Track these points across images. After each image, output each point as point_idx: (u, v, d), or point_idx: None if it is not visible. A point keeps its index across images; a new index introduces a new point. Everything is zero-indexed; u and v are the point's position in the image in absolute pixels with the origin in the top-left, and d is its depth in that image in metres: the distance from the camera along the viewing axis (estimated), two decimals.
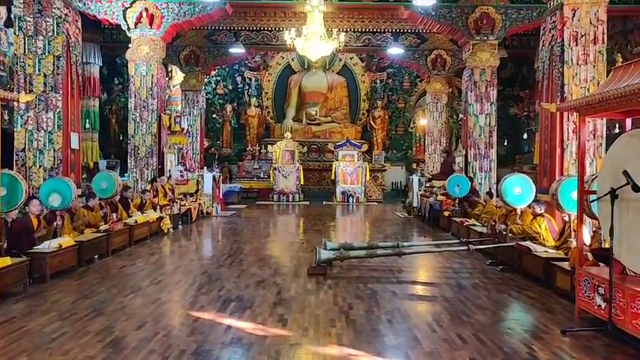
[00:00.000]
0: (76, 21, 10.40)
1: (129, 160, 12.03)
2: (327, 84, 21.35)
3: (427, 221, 12.17)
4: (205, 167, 14.98)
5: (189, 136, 15.35)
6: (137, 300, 5.41)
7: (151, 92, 11.88)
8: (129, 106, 12.13)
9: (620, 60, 4.70)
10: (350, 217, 14.71)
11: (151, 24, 11.57)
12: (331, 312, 5.07)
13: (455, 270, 7.07)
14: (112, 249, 7.87)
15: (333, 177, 17.64)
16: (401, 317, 4.96)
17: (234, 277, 6.47)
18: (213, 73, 19.90)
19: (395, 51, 15.79)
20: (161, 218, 10.07)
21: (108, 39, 15.96)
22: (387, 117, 21.21)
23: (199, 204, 12.64)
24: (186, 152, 15.18)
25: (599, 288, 4.47)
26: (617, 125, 11.28)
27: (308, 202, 17.11)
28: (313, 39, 11.83)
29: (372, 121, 21.10)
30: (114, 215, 8.42)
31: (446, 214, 10.95)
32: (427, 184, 13.64)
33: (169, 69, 17.83)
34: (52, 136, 9.54)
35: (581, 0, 8.02)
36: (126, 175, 12.27)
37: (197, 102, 16.77)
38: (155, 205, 10.47)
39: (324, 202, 17.17)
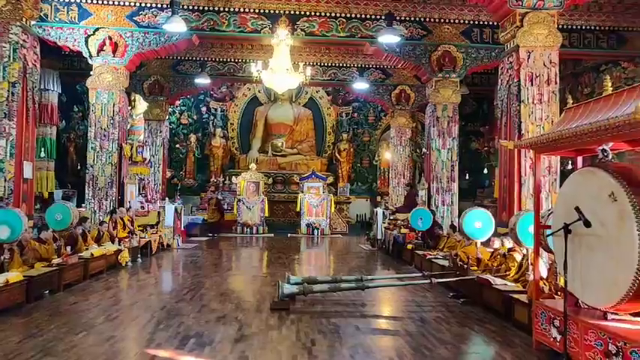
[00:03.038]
0: (35, 47, 10.21)
1: (87, 191, 11.68)
2: (294, 116, 21.53)
3: (391, 254, 12.21)
4: (167, 198, 14.70)
5: (151, 167, 15.07)
6: (89, 338, 5.16)
7: (112, 121, 11.66)
8: (88, 135, 11.84)
9: (571, 101, 4.92)
10: (314, 249, 14.63)
11: (114, 52, 11.46)
12: (293, 348, 4.97)
13: (417, 303, 7.08)
14: (64, 284, 7.51)
15: (298, 209, 17.58)
16: (364, 352, 4.90)
17: (194, 313, 6.28)
18: (177, 102, 19.82)
19: (360, 85, 16.12)
20: (119, 251, 9.76)
21: (68, 66, 15.65)
22: (352, 150, 21.47)
23: (160, 236, 12.34)
24: (148, 183, 14.87)
25: (555, 320, 4.55)
26: (570, 162, 11.74)
27: (272, 235, 16.96)
28: (280, 72, 11.95)
29: (337, 154, 21.31)
30: (68, 248, 8.10)
31: (409, 247, 11.04)
32: (391, 217, 13.76)
33: (132, 98, 17.61)
34: (3, 164, 9.20)
35: (536, 43, 8.41)
36: (83, 205, 11.88)
37: (160, 132, 16.56)
38: (113, 237, 10.16)
39: (289, 235, 17.05)
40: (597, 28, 12.14)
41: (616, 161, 4.32)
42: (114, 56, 11.48)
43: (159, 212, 12.96)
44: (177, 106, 20.70)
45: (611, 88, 4.34)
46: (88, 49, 11.44)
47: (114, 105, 11.67)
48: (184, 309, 6.48)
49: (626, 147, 4.47)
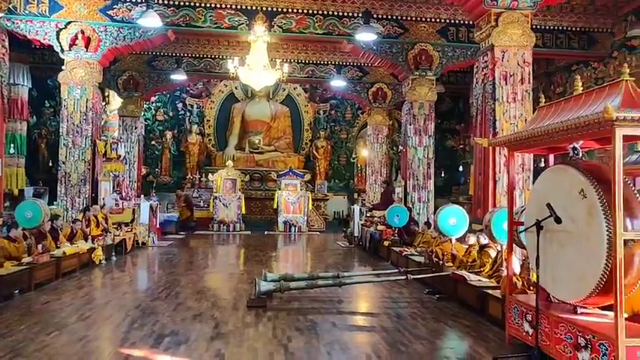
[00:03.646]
0: (3, 40, 9.94)
1: (59, 188, 11.43)
2: (271, 113, 21.44)
3: (368, 251, 12.29)
4: (142, 195, 14.49)
5: (126, 164, 14.83)
6: (61, 338, 5.06)
7: (85, 117, 11.44)
8: (60, 131, 11.59)
9: (543, 100, 5.01)
10: (292, 246, 14.61)
11: (87, 47, 11.22)
12: (270, 345, 4.96)
13: (394, 299, 7.14)
14: (35, 283, 7.33)
15: (275, 206, 17.52)
16: (340, 349, 4.92)
17: (169, 311, 6.21)
18: (153, 99, 19.52)
19: (338, 83, 16.15)
20: (93, 249, 9.59)
21: (39, 60, 15.27)
22: (329, 147, 21.50)
23: (135, 234, 12.16)
24: (123, 180, 14.63)
25: (527, 315, 4.64)
26: (542, 159, 11.99)
27: (249, 232, 16.87)
28: (257, 69, 11.88)
29: (315, 151, 21.31)
30: (39, 246, 7.92)
31: (385, 243, 11.12)
32: (368, 214, 13.84)
33: (106, 93, 17.27)
34: None
35: (510, 43, 8.54)
36: (55, 203, 11.62)
37: (135, 128, 16.32)
38: (87, 235, 9.97)
39: (266, 232, 16.99)
40: (569, 28, 12.40)
41: (586, 159, 4.43)
42: (87, 51, 11.25)
43: (134, 210, 12.76)
44: (152, 103, 20.41)
45: (582, 88, 4.43)
46: (60, 43, 11.18)
47: (87, 100, 11.44)
48: (159, 307, 6.41)
49: (596, 145, 4.58)
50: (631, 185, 4.06)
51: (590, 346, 3.80)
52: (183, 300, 6.86)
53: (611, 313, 3.67)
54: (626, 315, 3.76)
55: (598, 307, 4.21)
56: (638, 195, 3.95)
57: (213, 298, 7.06)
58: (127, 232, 11.68)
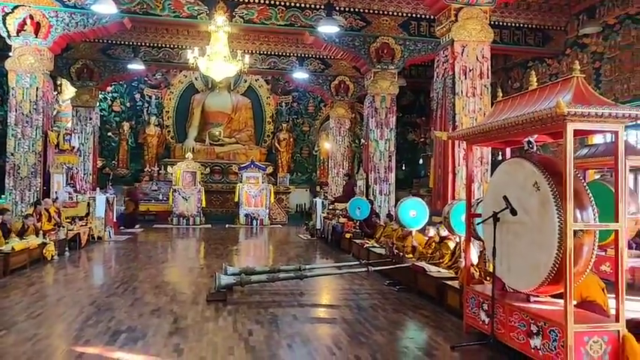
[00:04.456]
0: None
1: (7, 181, 10.92)
2: (232, 105, 21.15)
3: (330, 243, 12.33)
4: (98, 188, 14.05)
5: (80, 155, 14.32)
6: (10, 338, 4.84)
7: (35, 106, 10.96)
8: (8, 121, 11.07)
9: (501, 94, 5.12)
10: (253, 240, 14.51)
11: (36, 33, 10.73)
12: (230, 339, 4.90)
13: (355, 291, 7.18)
14: None
15: (236, 199, 17.35)
16: (301, 341, 4.91)
17: (126, 307, 6.05)
18: (109, 89, 18.93)
19: (300, 75, 16.07)
20: (44, 244, 9.23)
21: None
22: (292, 140, 21.41)
23: (90, 228, 11.78)
24: (77, 172, 14.14)
25: (484, 304, 4.76)
26: (500, 153, 12.30)
27: (210, 226, 16.65)
28: (217, 59, 11.68)
29: (277, 144, 21.18)
30: None
31: (347, 236, 11.18)
32: (330, 207, 13.88)
33: (58, 82, 16.65)
34: None
35: (469, 38, 8.70)
36: (3, 197, 11.12)
37: (90, 119, 15.79)
38: (38, 230, 9.58)
39: (227, 225, 16.80)
40: (525, 25, 12.75)
41: (541, 153, 4.55)
42: (36, 37, 10.77)
43: (89, 203, 12.36)
44: (108, 93, 19.79)
45: (536, 84, 4.55)
46: (6, 28, 10.67)
47: (37, 89, 10.97)
48: (116, 303, 6.23)
49: (549, 139, 4.71)
50: (581, 178, 4.21)
51: (541, 332, 3.92)
52: (141, 295, 6.70)
53: (562, 301, 3.80)
54: (575, 302, 3.90)
55: (550, 296, 4.35)
56: (587, 187, 4.10)
57: (172, 293, 6.93)
58: (81, 226, 11.30)
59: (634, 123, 4.97)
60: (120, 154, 20.19)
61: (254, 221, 16.95)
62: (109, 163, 19.63)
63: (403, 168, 20.35)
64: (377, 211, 12.30)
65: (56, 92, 14.75)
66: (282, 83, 21.08)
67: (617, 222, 3.88)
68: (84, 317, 5.57)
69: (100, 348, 4.57)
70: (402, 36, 12.50)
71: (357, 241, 10.45)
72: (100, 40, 14.31)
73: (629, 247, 7.60)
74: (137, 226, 15.68)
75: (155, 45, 15.00)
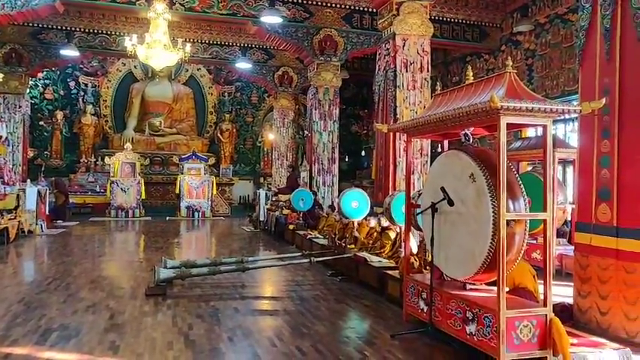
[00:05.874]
0: None
1: None
2: (173, 94, 20.55)
3: (273, 235, 12.29)
4: (29, 180, 13.30)
5: (8, 145, 13.49)
6: None
7: None
8: None
9: (439, 88, 5.25)
10: (195, 232, 14.23)
11: None
12: (169, 334, 4.79)
13: (297, 283, 7.20)
14: None
15: (177, 191, 16.94)
16: (242, 334, 4.87)
17: (58, 304, 5.78)
18: (40, 75, 17.85)
19: (243, 65, 15.83)
20: None
21: None
22: (235, 130, 21.10)
23: (19, 222, 11.14)
24: (5, 163, 13.28)
25: (423, 293, 4.90)
26: (439, 145, 12.66)
27: (150, 218, 16.18)
28: (157, 47, 11.29)
29: (219, 134, 20.81)
30: None
31: (291, 227, 11.18)
32: (274, 198, 13.82)
33: None
34: None
35: (410, 32, 8.87)
36: None
37: (19, 107, 14.88)
38: None
39: (168, 218, 16.39)
40: (464, 21, 13.13)
41: (477, 145, 4.72)
42: None
43: (18, 195, 11.67)
44: (40, 79, 18.70)
45: (473, 78, 4.69)
46: None
47: None
48: (47, 300, 5.94)
49: (485, 132, 4.89)
50: (514, 170, 4.40)
51: (476, 319, 4.08)
52: (75, 291, 6.41)
53: (496, 288, 3.96)
54: (508, 289, 4.09)
55: (485, 283, 4.53)
56: (519, 179, 4.29)
57: (109, 288, 6.68)
58: (10, 219, 10.66)
59: (562, 117, 5.25)
60: (53, 145, 19.17)
61: (196, 213, 16.64)
62: (41, 154, 18.62)
63: (346, 159, 20.56)
64: (320, 202, 12.38)
65: None
66: (224, 73, 20.69)
67: (546, 212, 4.08)
68: (11, 316, 5.27)
69: (28, 348, 4.34)
70: (345, 28, 12.56)
71: (300, 232, 10.48)
72: (30, 24, 13.48)
73: (558, 236, 8.05)
74: (66, 218, 14.87)
75: (91, 31, 14.29)
